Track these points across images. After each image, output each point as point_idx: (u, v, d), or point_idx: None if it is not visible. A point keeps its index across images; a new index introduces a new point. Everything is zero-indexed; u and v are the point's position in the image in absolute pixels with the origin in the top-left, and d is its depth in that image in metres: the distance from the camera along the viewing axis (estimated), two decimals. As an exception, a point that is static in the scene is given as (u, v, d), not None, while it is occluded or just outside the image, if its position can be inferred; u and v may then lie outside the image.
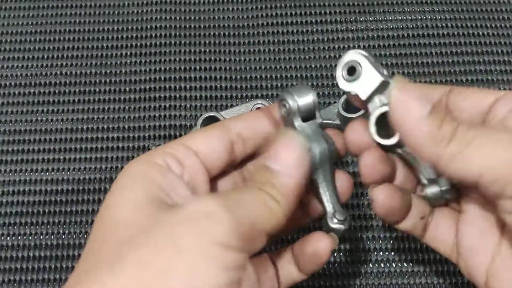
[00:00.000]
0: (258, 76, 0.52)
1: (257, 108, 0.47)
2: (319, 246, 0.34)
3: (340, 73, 0.35)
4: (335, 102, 0.50)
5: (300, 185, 0.32)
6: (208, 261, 0.26)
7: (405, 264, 0.44)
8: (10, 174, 0.49)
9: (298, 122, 0.36)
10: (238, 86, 0.52)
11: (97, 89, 0.52)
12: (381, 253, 0.45)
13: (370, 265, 0.44)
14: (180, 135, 0.50)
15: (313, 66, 0.53)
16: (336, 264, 0.44)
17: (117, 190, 0.31)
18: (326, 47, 0.54)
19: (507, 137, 0.29)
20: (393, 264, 0.44)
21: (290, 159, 0.32)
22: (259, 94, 0.51)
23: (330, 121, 0.45)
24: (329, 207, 0.35)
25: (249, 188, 0.31)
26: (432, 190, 0.34)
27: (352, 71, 0.34)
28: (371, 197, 0.34)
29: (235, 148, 0.35)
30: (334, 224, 0.34)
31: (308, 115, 0.36)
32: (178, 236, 0.27)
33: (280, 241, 0.45)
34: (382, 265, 0.44)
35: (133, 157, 0.49)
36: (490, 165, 0.29)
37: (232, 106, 0.51)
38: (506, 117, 0.32)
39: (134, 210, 0.29)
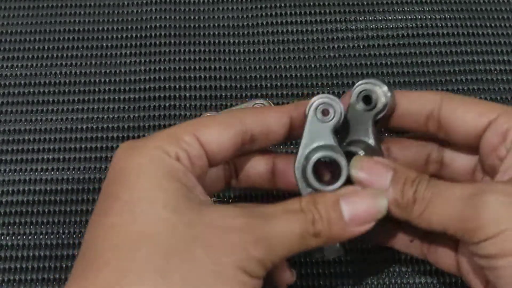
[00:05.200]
0: (258, 76, 0.52)
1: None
2: (278, 278, 0.35)
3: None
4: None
5: (345, 240, 0.33)
6: None
7: (404, 264, 0.44)
8: (10, 173, 0.49)
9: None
10: (238, 85, 0.52)
11: (97, 89, 0.52)
12: (379, 252, 0.45)
13: (369, 264, 0.44)
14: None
15: (313, 66, 0.53)
16: (335, 264, 0.44)
17: (149, 182, 0.29)
18: (326, 47, 0.54)
19: (457, 195, 0.31)
20: (392, 264, 0.44)
21: (361, 216, 0.32)
22: (259, 94, 0.51)
23: None
24: None
25: (296, 220, 0.31)
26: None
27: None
28: None
29: (243, 148, 0.34)
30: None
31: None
32: (218, 263, 0.28)
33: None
34: (381, 264, 0.44)
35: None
36: (446, 223, 0.31)
37: (232, 105, 0.51)
38: (497, 148, 0.33)
39: (175, 213, 0.29)
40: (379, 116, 0.36)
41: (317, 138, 0.34)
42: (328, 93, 0.51)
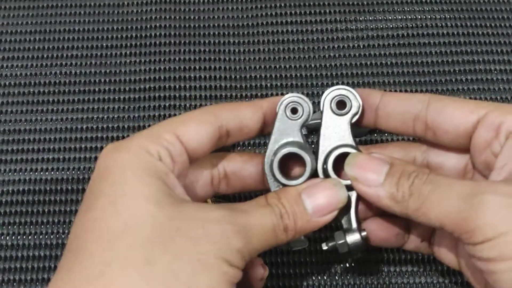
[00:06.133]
0: (258, 76, 0.52)
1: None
2: (252, 274, 0.36)
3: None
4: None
5: (314, 230, 0.34)
6: (225, 279, 0.29)
7: (404, 264, 0.44)
8: (10, 173, 0.49)
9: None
10: (238, 85, 0.52)
11: (96, 89, 0.52)
12: (380, 252, 0.45)
13: (369, 264, 0.44)
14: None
15: (312, 65, 0.53)
16: (335, 263, 0.44)
17: (131, 177, 0.30)
18: (326, 47, 0.54)
19: (455, 192, 0.31)
20: (392, 264, 0.44)
21: (323, 208, 0.33)
22: (259, 94, 0.51)
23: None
24: None
25: (269, 213, 0.32)
26: (353, 238, 0.36)
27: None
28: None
29: (219, 142, 0.35)
30: None
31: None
32: (200, 252, 0.28)
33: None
34: (382, 264, 0.44)
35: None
36: (443, 220, 0.31)
37: (231, 105, 0.51)
38: (491, 143, 0.33)
39: (156, 206, 0.29)
40: (355, 118, 0.37)
41: (286, 134, 0.36)
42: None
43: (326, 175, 0.36)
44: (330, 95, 0.36)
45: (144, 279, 0.27)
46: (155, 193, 0.30)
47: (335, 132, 0.36)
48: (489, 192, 0.30)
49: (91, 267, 0.27)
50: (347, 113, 0.36)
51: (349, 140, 0.36)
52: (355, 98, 0.36)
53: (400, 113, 0.36)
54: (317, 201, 0.33)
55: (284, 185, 0.35)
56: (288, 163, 0.37)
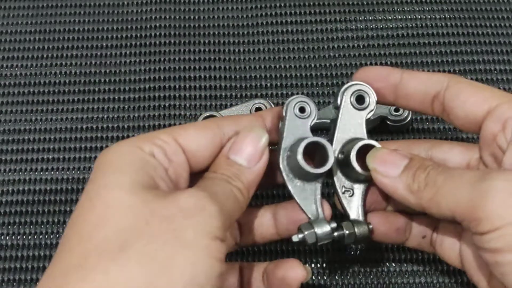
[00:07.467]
0: (258, 76, 0.52)
1: (256, 109, 0.48)
2: (290, 275, 0.35)
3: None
4: (334, 102, 0.50)
5: (260, 176, 0.34)
6: (207, 253, 0.28)
7: (405, 263, 0.44)
8: (10, 173, 0.49)
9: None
10: (238, 85, 0.52)
11: (96, 89, 0.52)
12: (380, 252, 0.45)
13: (369, 264, 0.44)
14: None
15: (312, 65, 0.53)
16: (335, 263, 0.44)
17: (110, 171, 0.30)
18: (326, 47, 0.54)
19: (466, 180, 0.31)
20: (392, 263, 0.44)
21: (253, 154, 0.34)
22: (259, 94, 0.51)
23: (324, 120, 0.45)
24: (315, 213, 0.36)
25: (220, 181, 0.33)
26: (361, 229, 0.36)
27: None
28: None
29: (222, 151, 0.35)
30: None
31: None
32: (177, 229, 0.28)
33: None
34: (382, 264, 0.44)
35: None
36: (454, 208, 0.31)
37: (231, 105, 0.51)
38: (496, 136, 0.33)
39: (130, 194, 0.29)
40: (370, 115, 0.37)
41: (297, 132, 0.37)
42: (328, 93, 0.51)
43: (341, 164, 0.36)
44: (350, 88, 0.37)
45: (119, 265, 0.27)
46: (130, 181, 0.30)
47: (351, 125, 0.37)
48: (498, 178, 0.30)
49: (70, 260, 0.28)
50: (365, 108, 0.37)
51: (364, 134, 0.37)
52: (372, 95, 0.37)
53: (419, 93, 0.36)
54: (245, 152, 0.34)
55: (309, 173, 0.35)
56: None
